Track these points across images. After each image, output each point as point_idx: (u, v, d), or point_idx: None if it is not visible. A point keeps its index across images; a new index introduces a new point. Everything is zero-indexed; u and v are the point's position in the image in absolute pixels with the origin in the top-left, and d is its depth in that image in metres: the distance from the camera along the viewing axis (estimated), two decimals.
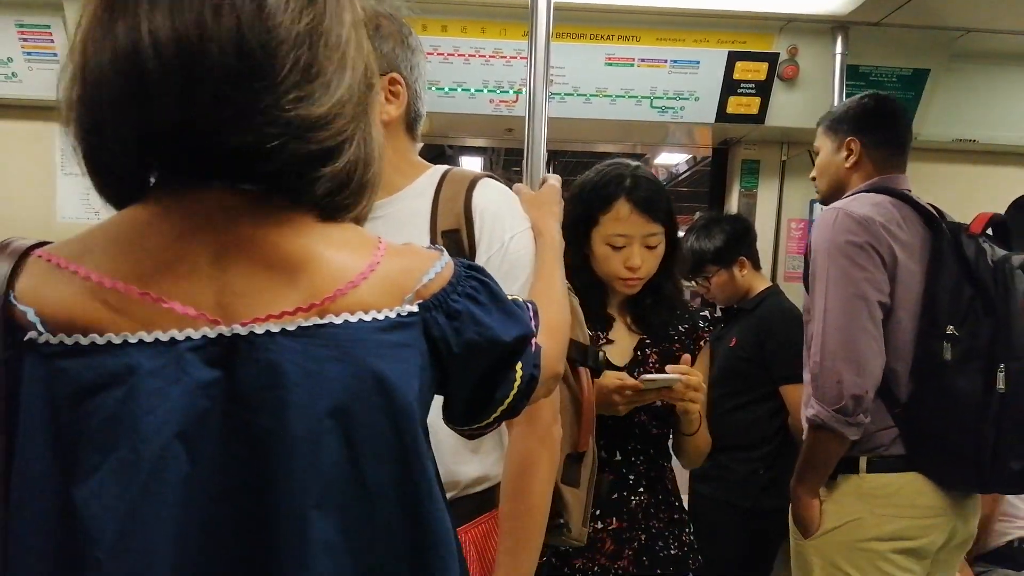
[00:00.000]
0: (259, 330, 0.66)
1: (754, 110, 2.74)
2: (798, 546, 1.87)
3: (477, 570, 1.18)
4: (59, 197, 2.79)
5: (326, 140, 0.68)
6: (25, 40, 2.62)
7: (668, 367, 1.58)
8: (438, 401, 0.82)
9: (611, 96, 2.72)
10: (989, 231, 1.84)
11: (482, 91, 2.68)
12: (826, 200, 2.05)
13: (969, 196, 2.88)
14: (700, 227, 2.67)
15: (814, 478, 1.81)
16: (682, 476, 1.87)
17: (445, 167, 1.25)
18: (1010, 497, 2.35)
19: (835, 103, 2.47)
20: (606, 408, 1.55)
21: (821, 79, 2.67)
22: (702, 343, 1.74)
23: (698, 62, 2.68)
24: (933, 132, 2.89)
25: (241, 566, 0.66)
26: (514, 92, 2.68)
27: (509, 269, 1.13)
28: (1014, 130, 2.92)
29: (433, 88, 2.62)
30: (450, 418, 0.87)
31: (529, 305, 0.89)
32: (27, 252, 0.66)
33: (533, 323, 0.87)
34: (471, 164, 5.46)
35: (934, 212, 1.82)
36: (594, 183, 1.67)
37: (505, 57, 2.64)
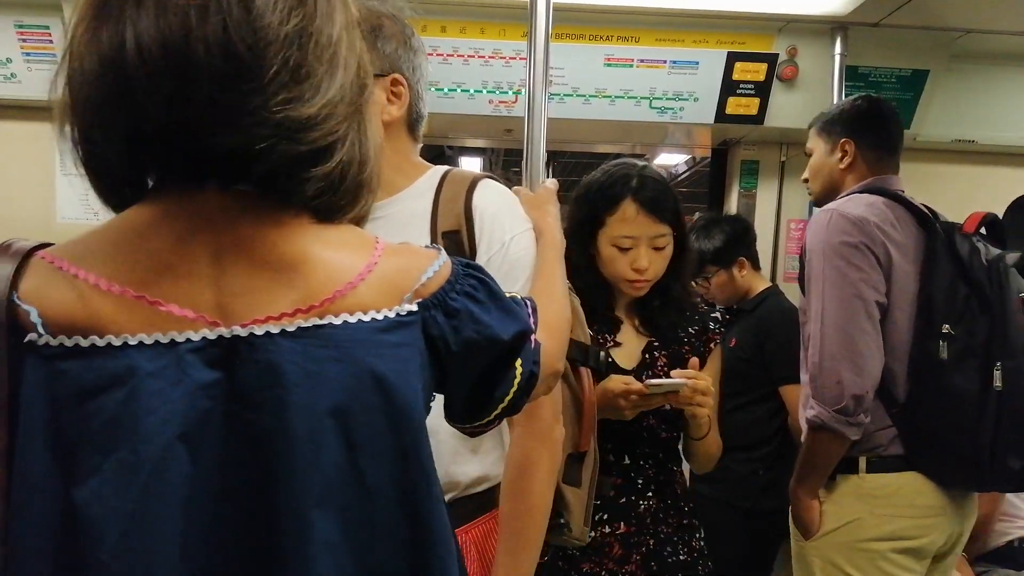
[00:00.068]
0: (259, 331, 0.66)
1: (753, 111, 2.75)
2: (799, 548, 1.87)
3: (477, 570, 1.18)
4: (59, 198, 2.79)
5: (317, 140, 0.68)
6: (24, 41, 2.62)
7: (675, 371, 1.55)
8: (438, 402, 0.82)
9: (610, 97, 2.72)
10: (982, 230, 1.85)
11: (481, 92, 2.68)
12: (819, 202, 2.06)
13: (969, 196, 2.89)
14: (699, 228, 2.67)
15: (814, 479, 1.81)
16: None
17: (446, 167, 1.25)
18: (1010, 497, 2.35)
19: (834, 104, 2.47)
20: (612, 412, 1.53)
21: (820, 80, 2.67)
22: (712, 345, 1.70)
23: (697, 63, 2.69)
24: (932, 133, 2.89)
25: (243, 565, 0.66)
26: (513, 93, 2.68)
27: (509, 269, 1.13)
28: (1013, 130, 2.92)
29: (432, 89, 2.62)
30: (451, 416, 0.87)
31: (528, 303, 0.89)
32: (30, 253, 0.66)
33: (532, 320, 0.87)
34: (470, 165, 5.46)
35: (927, 212, 1.83)
36: (600, 183, 1.64)
37: (504, 58, 2.64)
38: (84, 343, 0.62)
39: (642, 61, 2.68)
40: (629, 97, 2.73)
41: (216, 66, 0.62)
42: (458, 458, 1.17)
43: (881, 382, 1.74)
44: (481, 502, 1.21)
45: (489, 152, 5.87)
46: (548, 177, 1.55)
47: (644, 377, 1.59)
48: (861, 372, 1.70)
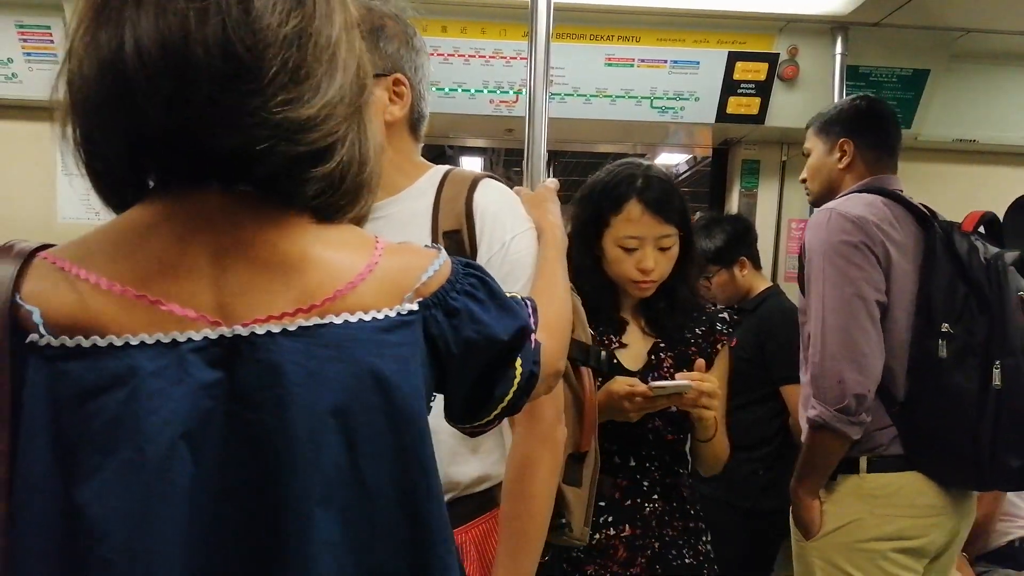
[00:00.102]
0: (260, 331, 0.66)
1: (754, 110, 2.75)
2: (800, 548, 1.87)
3: (477, 570, 1.18)
4: (60, 197, 2.79)
5: (316, 141, 0.68)
6: (25, 40, 2.62)
7: (680, 373, 1.54)
8: (438, 402, 0.82)
9: (611, 96, 2.72)
10: (981, 229, 1.85)
11: (482, 91, 2.68)
12: (817, 201, 2.06)
13: (970, 196, 2.88)
14: (700, 227, 2.67)
15: (815, 479, 1.81)
16: None
17: (447, 167, 1.25)
18: (1011, 497, 2.35)
19: (834, 104, 2.47)
20: (617, 414, 1.52)
21: (821, 79, 2.67)
22: (719, 346, 1.68)
23: (698, 62, 2.69)
24: (933, 132, 2.89)
25: (243, 565, 0.67)
26: (514, 92, 2.68)
27: (510, 269, 1.13)
28: (1014, 130, 2.92)
29: (433, 88, 2.62)
30: (450, 416, 0.87)
31: (528, 302, 0.89)
32: (32, 254, 0.66)
33: (532, 320, 0.87)
34: (471, 164, 5.46)
35: (926, 211, 1.83)
36: (604, 183, 1.63)
37: (505, 57, 2.64)
38: (85, 343, 0.62)
39: (643, 61, 2.68)
40: (630, 97, 2.73)
41: (215, 67, 0.62)
42: (458, 458, 1.17)
43: (881, 381, 1.74)
44: (481, 502, 1.21)
45: (490, 152, 5.86)
46: (549, 177, 1.55)
47: (649, 379, 1.57)
48: (863, 371, 1.70)
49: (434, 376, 0.76)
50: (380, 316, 0.70)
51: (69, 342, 0.62)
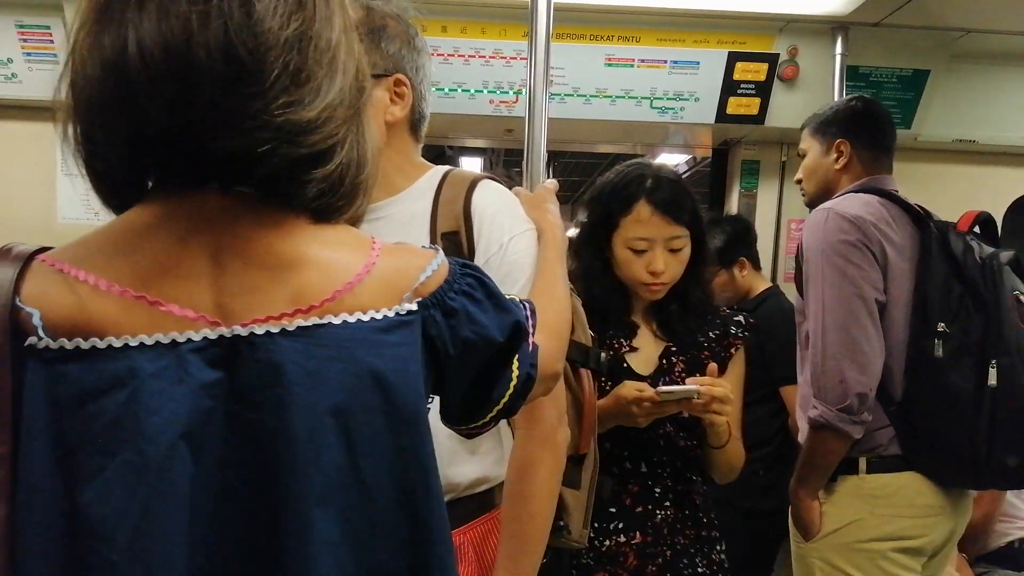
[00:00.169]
0: (259, 331, 0.66)
1: (754, 111, 2.75)
2: (799, 549, 1.87)
3: (475, 572, 1.18)
4: (60, 198, 2.79)
5: (317, 144, 0.68)
6: (25, 41, 2.62)
7: (690, 378, 1.51)
8: (435, 404, 0.82)
9: (611, 97, 2.72)
10: (976, 229, 1.85)
11: (482, 92, 2.68)
12: (813, 202, 2.07)
13: (969, 196, 2.89)
14: None
15: (815, 479, 1.81)
16: None
17: (447, 168, 1.25)
18: (1010, 497, 2.35)
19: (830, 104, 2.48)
20: (625, 420, 1.50)
21: (821, 80, 2.67)
22: (733, 350, 1.64)
23: (698, 63, 2.69)
24: (933, 133, 2.89)
25: (244, 564, 0.67)
26: (514, 93, 2.68)
27: (509, 271, 1.13)
28: (1014, 130, 2.92)
29: (433, 89, 2.61)
30: (447, 417, 0.87)
31: (526, 304, 0.89)
32: (31, 257, 0.66)
33: (530, 322, 0.87)
34: (471, 165, 5.46)
35: (921, 211, 1.83)
36: (614, 184, 1.61)
37: (505, 58, 2.64)
38: (84, 345, 0.62)
39: (643, 61, 2.68)
40: (630, 97, 2.73)
41: (218, 70, 0.62)
42: (456, 459, 1.16)
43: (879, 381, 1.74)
44: (480, 503, 1.21)
45: (490, 152, 5.87)
46: (548, 177, 1.55)
47: (660, 383, 1.54)
48: (864, 370, 1.70)
49: (432, 377, 0.77)
50: (379, 316, 0.71)
51: (68, 344, 0.62)
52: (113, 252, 0.66)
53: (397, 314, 0.72)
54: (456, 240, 1.15)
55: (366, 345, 0.69)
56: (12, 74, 2.66)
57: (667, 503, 1.59)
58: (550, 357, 0.95)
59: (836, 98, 2.56)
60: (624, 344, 1.63)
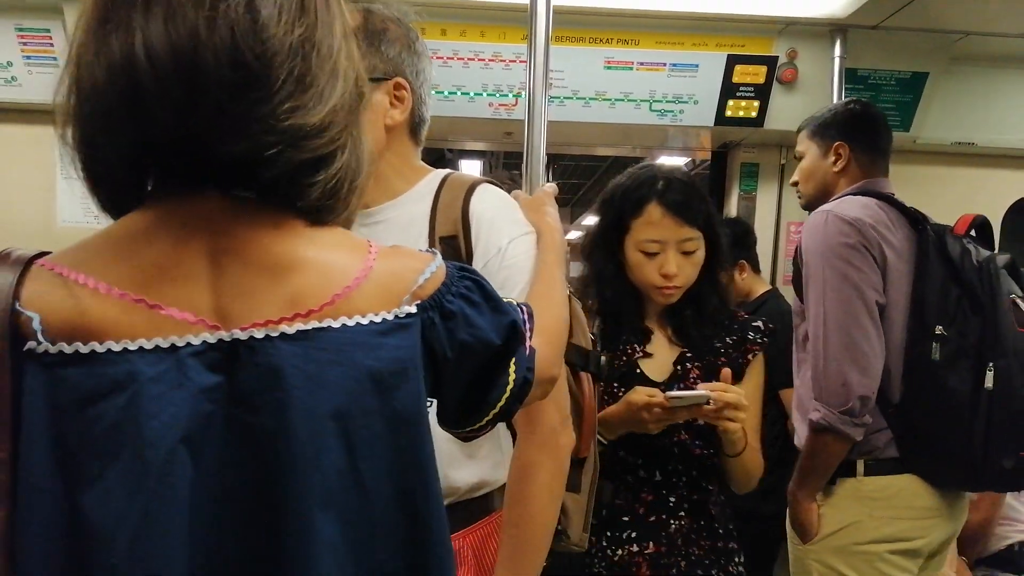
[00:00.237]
0: (259, 335, 0.66)
1: (753, 113, 2.75)
2: (796, 551, 1.88)
3: (474, 575, 1.18)
4: (59, 201, 2.79)
5: (320, 148, 0.69)
6: (25, 44, 2.62)
7: (702, 384, 1.48)
8: (434, 407, 0.82)
9: (610, 100, 2.73)
10: (972, 232, 1.85)
11: (481, 95, 2.68)
12: (810, 204, 2.08)
13: (968, 198, 2.89)
14: None
15: (815, 481, 1.81)
16: None
17: (446, 171, 1.25)
18: (1010, 500, 2.35)
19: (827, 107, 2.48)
20: (636, 426, 1.47)
21: (820, 82, 2.68)
22: (751, 356, 1.60)
23: (697, 65, 2.69)
24: (932, 135, 2.90)
25: (246, 567, 0.67)
26: (513, 96, 2.68)
27: (508, 274, 1.12)
28: (1013, 132, 2.92)
29: (432, 92, 2.62)
30: (443, 420, 0.87)
31: (524, 308, 0.89)
32: (30, 261, 0.66)
33: (528, 326, 0.87)
34: (470, 168, 5.46)
35: (919, 214, 1.84)
36: (625, 187, 1.59)
37: (504, 61, 2.64)
38: (84, 349, 0.62)
39: (642, 64, 2.69)
40: (629, 100, 2.73)
41: (225, 75, 0.63)
42: (455, 463, 1.16)
43: None
44: (480, 507, 1.21)
45: (489, 155, 5.87)
46: (548, 180, 1.55)
47: (676, 389, 1.52)
48: (866, 372, 1.71)
49: (429, 380, 0.77)
50: (377, 319, 0.71)
51: (68, 348, 0.62)
52: (112, 255, 0.66)
53: (396, 317, 0.72)
54: (454, 244, 1.15)
55: (365, 348, 0.69)
56: (12, 77, 2.66)
57: (682, 513, 1.55)
58: (547, 361, 0.94)
59: (835, 101, 2.56)
60: (638, 350, 1.60)
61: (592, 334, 1.59)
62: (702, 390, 1.44)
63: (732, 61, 2.68)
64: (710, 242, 1.58)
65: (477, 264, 1.13)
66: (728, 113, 2.75)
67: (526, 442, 1.13)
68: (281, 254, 0.69)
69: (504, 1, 2.47)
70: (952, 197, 2.90)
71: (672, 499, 1.56)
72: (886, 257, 1.77)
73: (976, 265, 1.74)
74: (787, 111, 2.73)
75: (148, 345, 0.64)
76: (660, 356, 1.61)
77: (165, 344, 0.64)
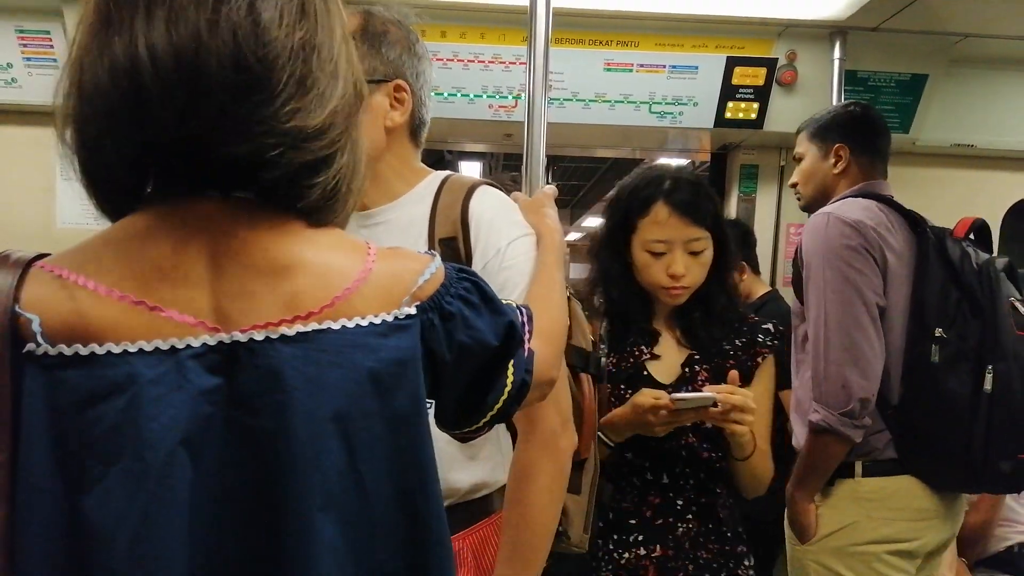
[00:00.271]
0: (258, 337, 0.66)
1: (752, 115, 2.75)
2: (794, 552, 1.88)
3: None
4: (59, 202, 2.79)
5: (320, 150, 0.69)
6: (25, 46, 2.63)
7: (708, 386, 1.46)
8: (433, 408, 0.82)
9: (610, 101, 2.73)
10: (971, 236, 1.86)
11: (481, 96, 2.68)
12: (809, 206, 2.08)
13: (968, 200, 2.89)
14: None
15: (814, 482, 1.81)
16: None
17: (446, 173, 1.25)
18: (1010, 502, 2.35)
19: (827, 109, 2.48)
20: (643, 428, 1.46)
21: (819, 84, 2.68)
22: (760, 359, 1.58)
23: (697, 67, 2.69)
24: (932, 137, 2.90)
25: (246, 569, 0.67)
26: (513, 97, 2.68)
27: (508, 276, 1.12)
28: (1012, 134, 2.93)
29: (432, 93, 2.62)
30: (441, 421, 0.87)
31: (523, 310, 0.89)
32: (30, 263, 0.66)
33: (527, 328, 0.87)
34: (470, 169, 5.46)
35: (918, 217, 1.84)
36: (632, 187, 1.57)
37: (504, 62, 2.64)
38: (84, 351, 0.63)
39: (642, 66, 2.69)
40: (629, 101, 2.73)
41: (227, 78, 0.63)
42: (455, 465, 1.16)
43: None
44: (479, 508, 1.21)
45: (489, 157, 5.87)
46: (548, 182, 1.55)
47: (685, 391, 1.50)
48: (866, 374, 1.71)
49: (428, 381, 0.77)
50: (377, 321, 0.71)
51: (67, 350, 0.62)
52: (112, 257, 0.66)
53: (396, 318, 0.72)
54: (454, 246, 1.15)
55: (365, 349, 0.69)
56: (12, 79, 2.66)
57: (689, 516, 1.54)
58: (546, 363, 0.94)
59: (835, 103, 2.57)
60: (645, 351, 1.59)
61: (599, 335, 1.59)
62: (708, 392, 1.42)
63: (732, 63, 2.68)
64: (718, 242, 1.56)
65: (476, 266, 1.13)
66: (728, 115, 2.75)
67: (526, 443, 1.12)
68: (280, 255, 0.69)
69: (504, 3, 2.47)
70: (951, 199, 2.90)
71: (679, 502, 1.54)
72: (887, 259, 1.77)
73: (976, 268, 1.75)
74: (787, 113, 2.73)
75: (148, 347, 0.64)
76: (668, 358, 1.59)
77: (165, 346, 0.64)
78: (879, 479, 1.78)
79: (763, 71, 2.69)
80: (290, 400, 0.66)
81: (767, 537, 2.40)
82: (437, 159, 4.28)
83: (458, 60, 2.63)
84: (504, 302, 0.84)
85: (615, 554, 1.53)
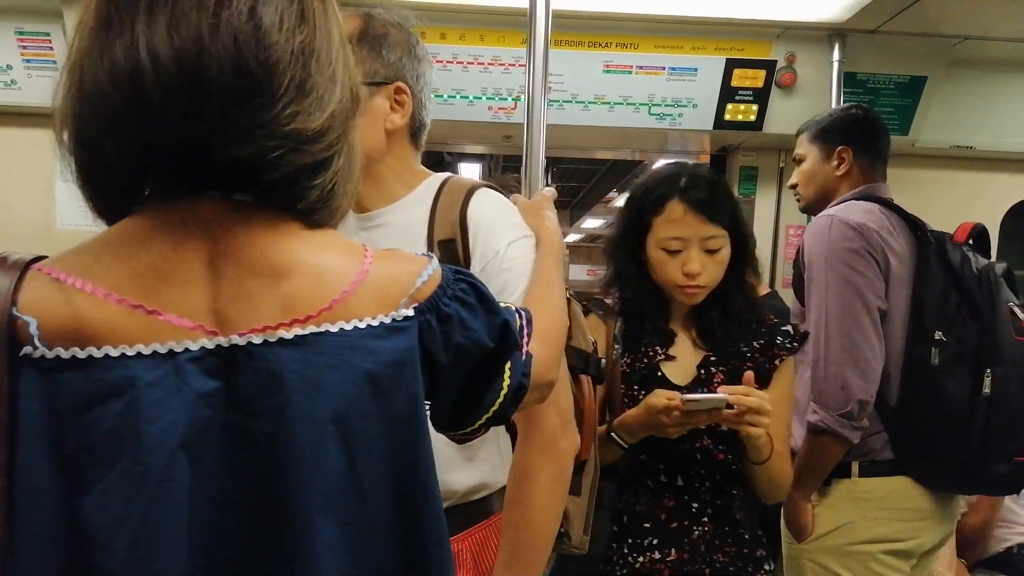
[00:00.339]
0: (257, 340, 0.67)
1: (752, 117, 2.76)
2: (791, 551, 1.89)
3: None
4: (59, 204, 2.79)
5: (319, 152, 0.70)
6: (24, 48, 2.63)
7: (722, 387, 1.42)
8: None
9: (609, 103, 2.73)
10: (970, 241, 1.87)
11: (481, 98, 2.69)
12: (810, 208, 2.08)
13: (967, 202, 2.90)
14: None
15: (811, 482, 1.82)
16: None
17: (446, 175, 1.25)
18: (1009, 503, 2.36)
19: (827, 111, 2.48)
20: (656, 430, 1.42)
21: (819, 86, 2.68)
22: (778, 362, 1.54)
23: (696, 69, 2.69)
24: (931, 139, 2.90)
25: (246, 571, 0.67)
26: (512, 99, 2.68)
27: (507, 278, 1.12)
28: (1012, 136, 2.93)
29: (432, 95, 2.62)
30: (437, 422, 0.86)
31: (522, 313, 0.89)
32: (27, 266, 0.66)
33: (525, 331, 0.88)
34: (469, 171, 5.46)
35: (918, 221, 1.85)
36: (647, 185, 1.55)
37: (504, 64, 2.64)
38: (81, 355, 0.63)
39: (641, 68, 2.69)
40: (628, 104, 2.73)
41: (229, 81, 0.64)
42: (453, 466, 1.16)
43: None
44: (478, 510, 1.21)
45: (488, 158, 5.87)
46: (547, 183, 1.55)
47: (699, 392, 1.47)
48: (866, 376, 1.72)
49: (425, 382, 0.77)
50: (375, 323, 0.71)
51: (65, 353, 0.63)
52: (111, 259, 0.67)
53: (394, 320, 0.73)
54: (452, 248, 1.15)
55: (363, 352, 0.70)
56: (11, 81, 2.66)
57: (705, 519, 1.51)
58: (544, 365, 0.94)
59: (834, 105, 2.57)
60: (660, 352, 1.56)
61: (614, 335, 1.58)
62: (721, 393, 1.39)
63: (731, 65, 2.68)
64: (736, 242, 1.54)
65: (475, 268, 1.13)
66: (727, 117, 2.75)
67: (526, 445, 1.12)
68: (278, 258, 0.69)
69: (503, 5, 2.47)
70: (951, 201, 2.91)
71: (695, 505, 1.51)
72: (889, 263, 1.78)
73: (976, 273, 1.76)
74: (786, 115, 2.73)
75: (146, 350, 0.64)
76: (683, 359, 1.56)
77: (163, 350, 0.64)
78: (875, 479, 1.80)
79: (762, 73, 2.69)
80: (289, 403, 0.66)
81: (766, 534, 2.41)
82: (436, 160, 4.28)
83: (457, 62, 2.63)
84: (503, 304, 0.84)
85: (629, 558, 1.50)
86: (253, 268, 0.68)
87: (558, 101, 2.69)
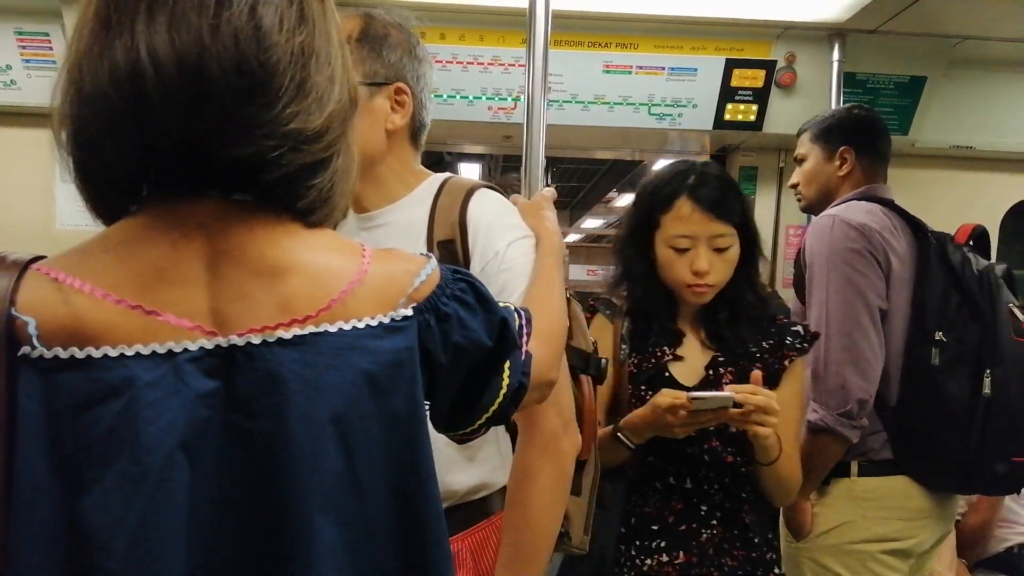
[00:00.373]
0: (256, 340, 0.67)
1: (751, 117, 2.75)
2: (790, 550, 1.89)
3: None
4: (58, 204, 2.79)
5: (319, 152, 0.70)
6: (24, 48, 2.62)
7: (729, 386, 1.41)
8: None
9: (609, 103, 2.73)
10: (970, 242, 1.88)
11: (480, 98, 2.69)
12: (811, 208, 2.08)
13: (967, 202, 2.90)
14: None
15: (810, 481, 1.82)
16: None
17: (446, 175, 1.25)
18: (1009, 503, 2.36)
19: (828, 111, 2.48)
20: (663, 430, 1.40)
21: (818, 86, 2.68)
22: (787, 363, 1.52)
23: (696, 69, 2.69)
24: (930, 139, 2.90)
25: (245, 572, 0.67)
26: (512, 99, 2.68)
27: (507, 278, 1.12)
28: (1011, 136, 2.93)
29: (431, 95, 2.62)
30: (436, 422, 0.86)
31: (521, 312, 0.89)
32: (26, 266, 0.66)
33: (525, 330, 0.88)
34: (469, 171, 5.47)
35: (919, 222, 1.86)
36: (655, 183, 1.53)
37: (503, 64, 2.64)
38: (80, 355, 0.63)
39: (641, 68, 2.69)
40: (628, 104, 2.73)
41: (230, 82, 0.64)
42: (454, 466, 1.16)
43: None
44: (479, 509, 1.21)
45: (488, 159, 5.87)
46: (547, 183, 1.55)
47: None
48: (865, 376, 1.72)
49: (424, 381, 0.77)
50: (374, 323, 0.71)
51: (63, 354, 0.63)
52: (110, 260, 0.67)
53: (392, 320, 0.73)
54: (452, 248, 1.15)
55: (362, 352, 0.70)
56: (11, 80, 2.66)
57: (714, 521, 1.49)
58: (544, 365, 0.94)
59: (834, 105, 2.57)
60: (667, 352, 1.54)
61: (621, 335, 1.57)
62: (728, 392, 1.37)
63: (731, 65, 2.68)
64: (745, 240, 1.53)
65: (475, 268, 1.13)
66: (727, 117, 2.75)
67: (526, 445, 1.12)
68: (277, 257, 0.69)
69: (503, 5, 2.47)
70: (951, 201, 2.91)
71: (704, 507, 1.50)
72: (890, 263, 1.78)
73: (976, 274, 1.77)
74: (786, 115, 2.73)
75: (145, 351, 0.64)
76: (691, 360, 1.55)
77: (162, 350, 0.64)
78: (875, 479, 1.80)
79: (762, 73, 2.69)
80: (288, 403, 0.66)
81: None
82: (436, 160, 4.28)
83: (457, 62, 2.63)
84: (502, 304, 0.84)
85: (637, 560, 1.49)
86: (252, 268, 0.68)
87: (558, 101, 2.68)
